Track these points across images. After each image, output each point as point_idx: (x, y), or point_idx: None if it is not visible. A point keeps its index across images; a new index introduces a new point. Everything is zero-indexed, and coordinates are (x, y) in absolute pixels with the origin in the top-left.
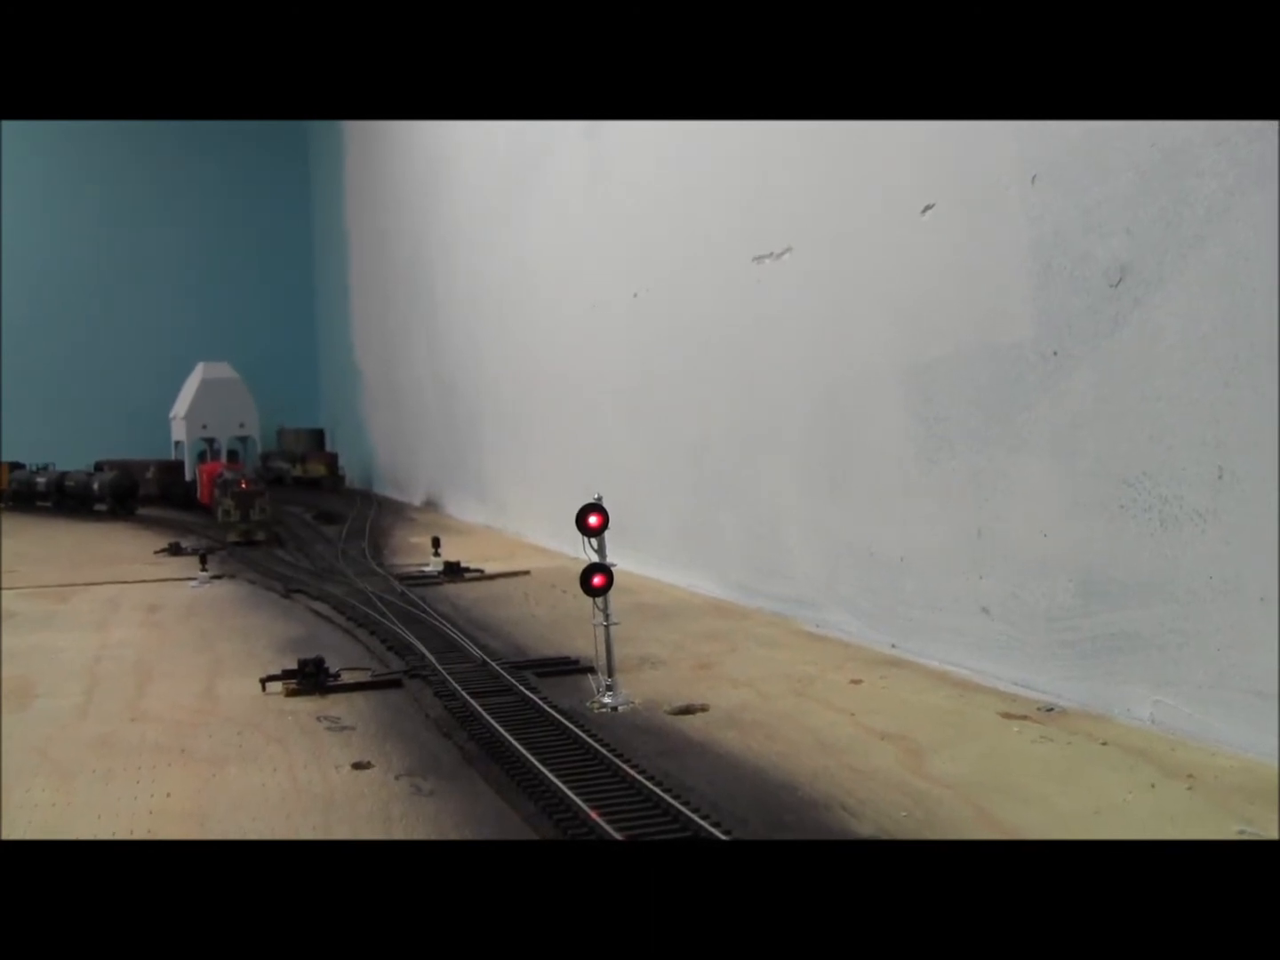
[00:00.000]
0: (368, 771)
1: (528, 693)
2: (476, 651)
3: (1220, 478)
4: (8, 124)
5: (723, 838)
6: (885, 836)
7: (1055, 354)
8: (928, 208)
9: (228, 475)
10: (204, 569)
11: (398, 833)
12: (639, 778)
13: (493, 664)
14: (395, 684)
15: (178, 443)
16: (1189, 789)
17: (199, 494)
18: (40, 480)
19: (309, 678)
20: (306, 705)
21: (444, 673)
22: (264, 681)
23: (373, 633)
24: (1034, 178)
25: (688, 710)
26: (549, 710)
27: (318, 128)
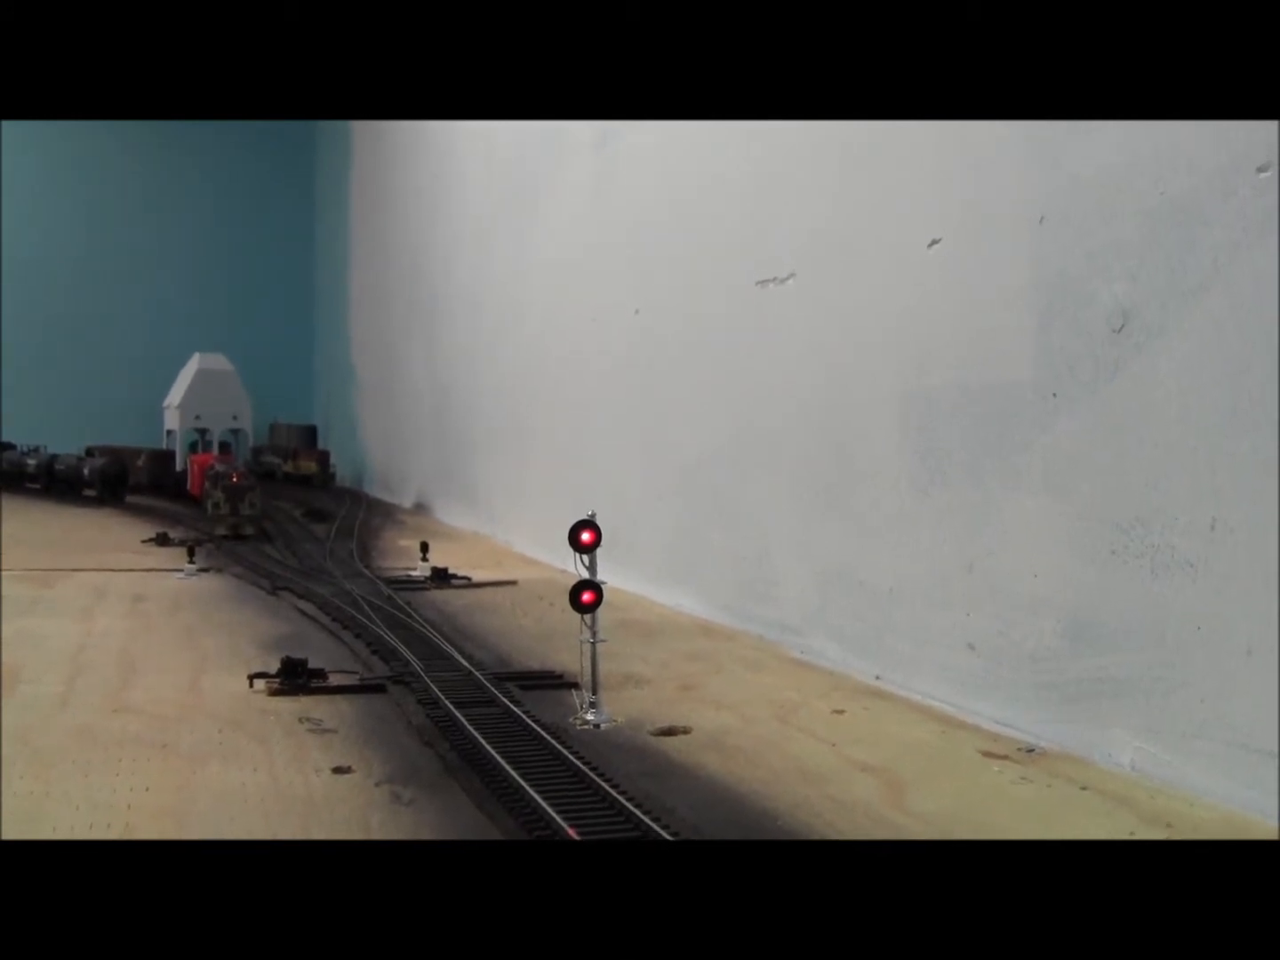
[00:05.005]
0: (348, 776)
1: (511, 705)
2: (461, 660)
3: (1213, 528)
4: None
5: (669, 838)
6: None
7: (1054, 395)
8: (934, 242)
9: (219, 468)
10: (191, 561)
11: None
12: (620, 798)
13: (477, 674)
14: (379, 689)
15: (170, 432)
16: (1168, 839)
17: (189, 484)
18: (30, 462)
19: (294, 678)
20: (289, 705)
21: (428, 680)
22: (252, 678)
23: (358, 635)
24: (1041, 219)
25: (670, 731)
26: (532, 724)
27: (326, 127)
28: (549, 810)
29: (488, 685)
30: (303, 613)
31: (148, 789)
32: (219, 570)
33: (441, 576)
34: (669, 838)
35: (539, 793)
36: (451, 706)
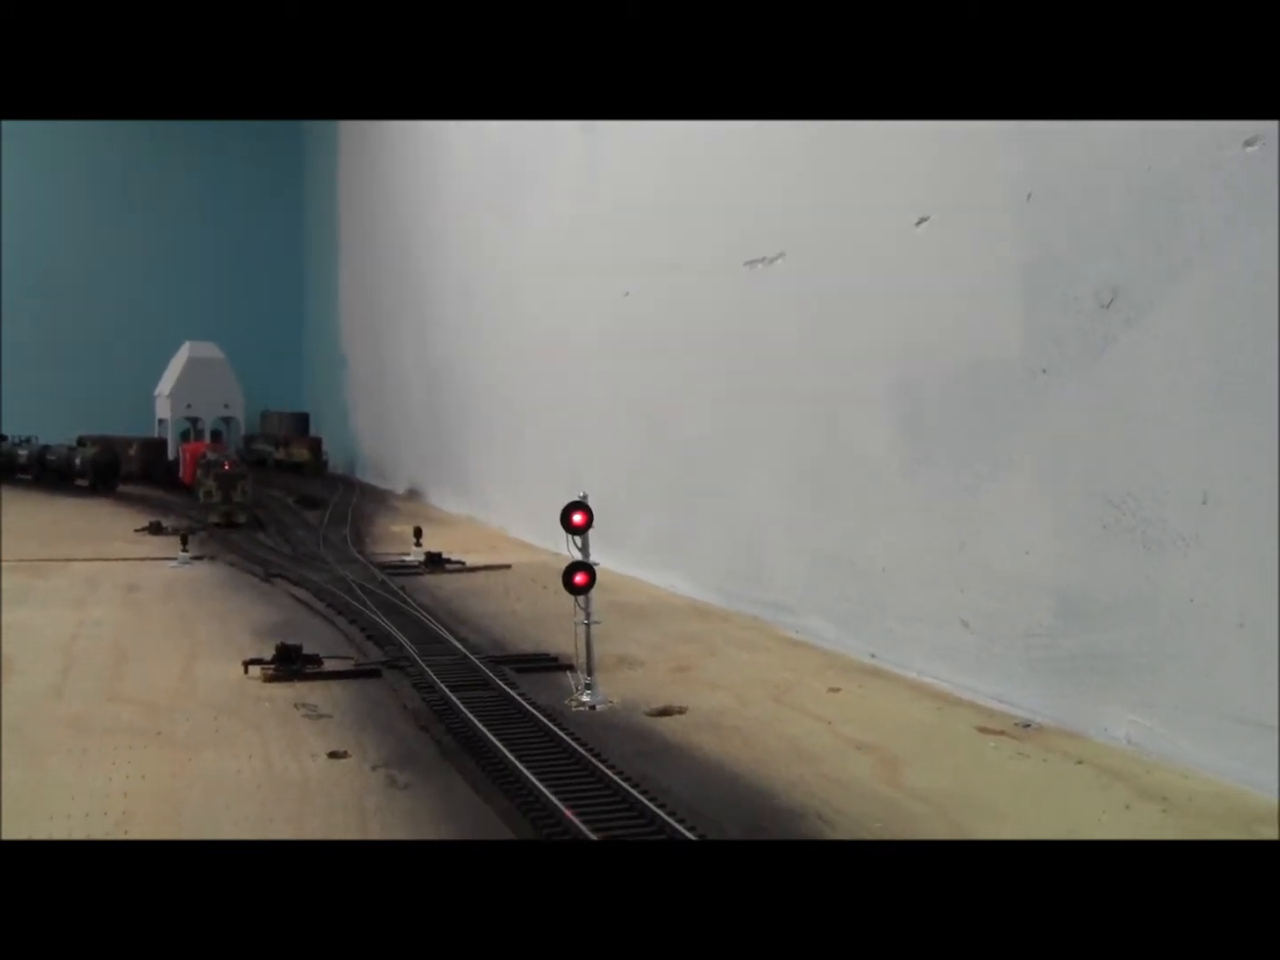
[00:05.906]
0: (344, 761)
1: (506, 688)
2: (456, 644)
3: (1204, 503)
4: None
5: (693, 838)
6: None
7: (1044, 372)
8: (922, 220)
9: (211, 456)
10: (184, 549)
11: (373, 825)
12: (616, 778)
13: (472, 658)
14: (374, 674)
15: (161, 421)
16: (1163, 811)
17: (181, 473)
18: (22, 453)
19: (289, 664)
20: (284, 691)
21: (423, 664)
22: (246, 664)
23: (352, 621)
24: (1029, 195)
25: (665, 712)
26: (527, 707)
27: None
28: (545, 791)
29: (483, 668)
30: (297, 599)
31: (144, 776)
32: (212, 558)
33: (435, 561)
34: (668, 838)
35: (535, 774)
36: (447, 690)
